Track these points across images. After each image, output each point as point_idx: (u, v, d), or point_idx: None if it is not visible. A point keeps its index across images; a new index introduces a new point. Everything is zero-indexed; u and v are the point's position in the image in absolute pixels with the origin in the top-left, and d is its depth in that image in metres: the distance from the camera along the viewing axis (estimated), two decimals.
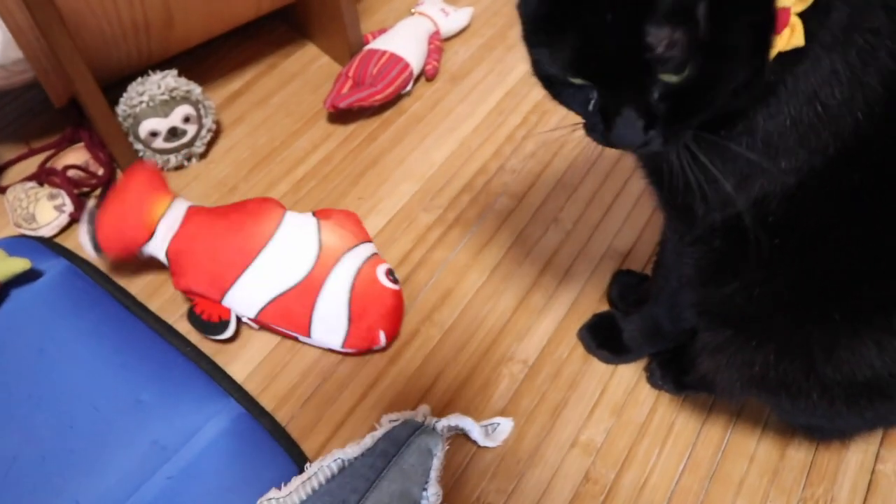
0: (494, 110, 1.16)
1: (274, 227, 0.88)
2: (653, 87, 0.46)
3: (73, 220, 1.03)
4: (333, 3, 1.15)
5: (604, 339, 0.89)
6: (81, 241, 0.91)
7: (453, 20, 1.26)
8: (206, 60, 1.24)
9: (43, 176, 1.06)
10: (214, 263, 0.87)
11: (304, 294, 0.85)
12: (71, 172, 1.05)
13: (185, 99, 1.05)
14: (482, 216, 1.02)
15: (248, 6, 1.11)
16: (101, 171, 1.07)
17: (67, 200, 1.03)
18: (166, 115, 1.03)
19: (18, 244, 0.96)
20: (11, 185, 1.05)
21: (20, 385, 0.81)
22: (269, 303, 0.86)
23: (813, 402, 0.66)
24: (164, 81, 1.03)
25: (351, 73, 1.15)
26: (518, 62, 1.22)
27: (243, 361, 0.89)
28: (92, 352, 0.84)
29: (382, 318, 0.86)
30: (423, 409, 0.81)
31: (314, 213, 0.91)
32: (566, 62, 0.47)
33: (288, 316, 0.86)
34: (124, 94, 1.04)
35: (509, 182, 1.06)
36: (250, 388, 0.86)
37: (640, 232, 1.00)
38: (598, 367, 0.88)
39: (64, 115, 1.13)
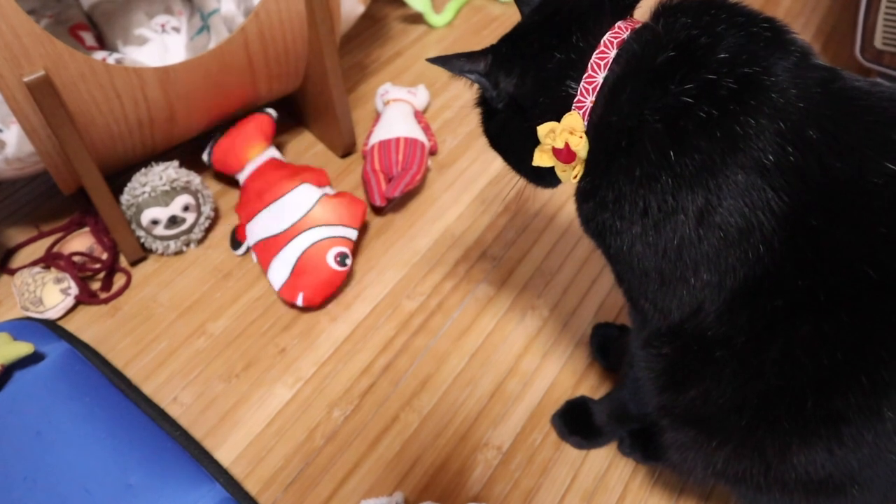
0: (477, 199, 1.21)
1: (289, 189, 1.11)
2: None
3: (79, 302, 1.09)
4: (326, 94, 1.22)
5: (576, 425, 0.92)
6: (203, 156, 1.22)
7: (420, 97, 1.36)
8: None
9: (49, 260, 1.12)
10: (251, 201, 1.14)
11: (278, 241, 1.08)
12: (76, 258, 1.11)
13: (185, 189, 1.11)
14: (463, 303, 1.07)
15: (245, 100, 1.18)
16: (104, 256, 1.13)
17: (73, 284, 1.08)
18: (167, 204, 1.09)
19: (23, 327, 1.02)
20: (20, 269, 1.11)
21: (17, 467, 0.85)
22: (260, 240, 1.10)
23: (775, 498, 0.69)
24: (166, 173, 1.10)
25: (377, 167, 1.21)
26: None
27: (230, 445, 0.93)
28: (86, 435, 0.88)
29: (309, 284, 1.05)
30: (398, 495, 0.85)
31: (326, 193, 1.12)
32: None
33: (264, 253, 1.10)
34: (128, 185, 1.10)
35: (490, 269, 1.11)
36: (236, 471, 0.90)
37: (614, 318, 1.04)
38: (571, 453, 0.91)
39: (73, 200, 1.19)
